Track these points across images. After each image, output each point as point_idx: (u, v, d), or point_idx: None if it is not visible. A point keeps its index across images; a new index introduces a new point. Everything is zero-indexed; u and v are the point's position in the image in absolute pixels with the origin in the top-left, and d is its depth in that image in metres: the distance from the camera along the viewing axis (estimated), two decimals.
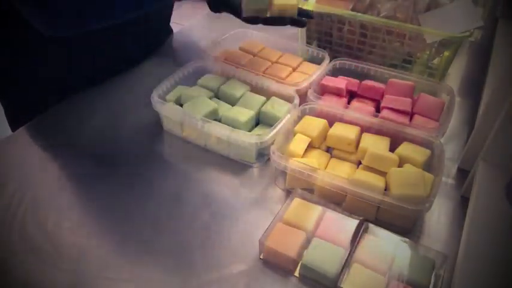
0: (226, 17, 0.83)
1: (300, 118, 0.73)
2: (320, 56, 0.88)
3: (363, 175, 0.61)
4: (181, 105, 0.74)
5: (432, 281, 0.53)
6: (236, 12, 0.79)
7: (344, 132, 0.68)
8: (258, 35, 0.94)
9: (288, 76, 0.83)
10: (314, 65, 0.86)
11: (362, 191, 0.59)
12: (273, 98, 0.76)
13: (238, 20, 0.81)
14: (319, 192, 0.64)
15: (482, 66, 0.93)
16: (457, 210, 0.65)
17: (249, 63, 0.85)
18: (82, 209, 0.64)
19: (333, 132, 0.69)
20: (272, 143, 0.66)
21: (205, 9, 0.87)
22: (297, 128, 0.71)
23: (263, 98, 0.77)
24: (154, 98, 0.74)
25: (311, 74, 0.82)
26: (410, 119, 0.73)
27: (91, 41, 0.81)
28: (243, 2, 0.75)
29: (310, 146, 0.70)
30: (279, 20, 0.79)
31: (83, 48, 0.82)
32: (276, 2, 0.75)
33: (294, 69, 0.86)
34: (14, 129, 0.88)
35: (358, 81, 0.80)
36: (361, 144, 0.67)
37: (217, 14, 0.86)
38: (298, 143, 0.68)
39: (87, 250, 0.59)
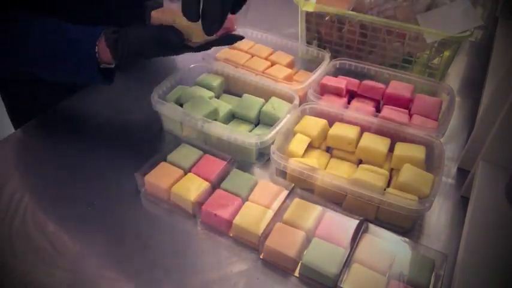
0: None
1: (300, 118, 0.73)
2: (320, 56, 0.88)
3: (362, 175, 0.61)
4: (181, 105, 0.74)
5: (432, 281, 0.53)
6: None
7: (344, 132, 0.68)
8: (257, 35, 0.94)
9: (287, 76, 0.83)
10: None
11: (362, 190, 0.59)
12: (273, 98, 0.76)
13: (238, 20, 0.81)
14: (319, 192, 0.64)
15: (482, 66, 0.93)
16: (457, 210, 0.65)
17: (248, 62, 0.85)
18: (82, 209, 0.64)
19: (333, 132, 0.69)
20: (272, 143, 0.66)
21: None
22: (296, 127, 0.71)
23: (262, 100, 0.76)
24: (154, 98, 0.74)
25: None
26: (410, 119, 0.73)
27: None
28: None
29: (310, 146, 0.70)
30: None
31: None
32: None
33: (291, 67, 0.86)
34: (16, 127, 0.88)
35: (358, 81, 0.80)
36: (360, 144, 0.67)
37: None
38: (298, 143, 0.68)
39: (87, 250, 0.59)
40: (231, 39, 0.65)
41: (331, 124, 0.72)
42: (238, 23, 0.65)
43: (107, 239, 0.60)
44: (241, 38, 0.65)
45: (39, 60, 0.67)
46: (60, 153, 0.74)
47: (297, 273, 0.56)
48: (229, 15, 0.60)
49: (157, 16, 0.61)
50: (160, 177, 0.64)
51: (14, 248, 0.59)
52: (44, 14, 0.66)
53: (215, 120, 0.72)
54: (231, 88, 0.84)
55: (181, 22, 0.59)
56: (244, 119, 0.76)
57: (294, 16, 0.96)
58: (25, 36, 0.65)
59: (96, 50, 0.63)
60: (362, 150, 0.67)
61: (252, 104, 0.76)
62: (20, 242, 0.59)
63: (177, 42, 0.60)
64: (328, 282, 0.53)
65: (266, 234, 0.57)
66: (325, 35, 0.94)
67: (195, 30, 0.59)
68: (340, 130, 0.69)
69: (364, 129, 0.70)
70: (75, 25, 0.66)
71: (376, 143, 0.67)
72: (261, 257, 0.58)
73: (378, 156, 0.66)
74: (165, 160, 0.67)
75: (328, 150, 0.71)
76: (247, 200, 0.62)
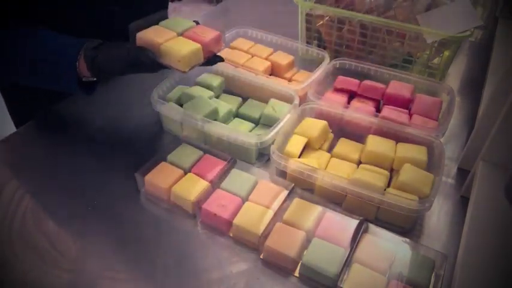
0: (226, 17, 0.83)
1: (300, 118, 0.73)
2: (320, 56, 0.88)
3: (362, 175, 0.61)
4: (181, 105, 0.74)
5: (432, 281, 0.53)
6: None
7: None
8: (257, 35, 0.94)
9: (288, 76, 0.83)
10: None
11: (362, 190, 0.59)
12: (273, 100, 0.76)
13: (238, 20, 0.81)
14: (319, 192, 0.64)
15: (482, 66, 0.93)
16: (457, 210, 0.65)
17: (248, 62, 0.85)
18: (82, 208, 0.64)
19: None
20: (272, 143, 0.66)
21: (204, 9, 0.88)
22: (297, 130, 0.71)
23: (263, 105, 0.77)
24: (155, 98, 0.74)
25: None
26: (410, 119, 0.73)
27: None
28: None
29: (311, 148, 0.70)
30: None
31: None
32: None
33: (291, 67, 0.86)
34: (17, 127, 0.88)
35: (358, 81, 0.80)
36: (367, 148, 0.67)
37: (218, 13, 0.85)
38: (295, 144, 0.68)
39: (87, 250, 0.59)
40: (214, 60, 0.68)
41: (331, 124, 0.72)
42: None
43: (107, 239, 0.60)
44: (222, 59, 0.69)
45: (22, 68, 0.68)
46: (60, 153, 0.74)
47: (297, 273, 0.56)
48: (218, 35, 0.65)
49: (142, 37, 0.62)
50: (160, 177, 0.64)
51: (14, 248, 0.59)
52: (40, 22, 0.66)
53: (215, 120, 0.73)
54: (231, 88, 0.84)
55: (167, 45, 0.61)
56: (247, 118, 0.76)
57: (294, 16, 0.96)
58: (12, 44, 0.66)
59: (77, 64, 0.64)
60: (369, 154, 0.66)
61: (256, 106, 0.76)
62: (20, 242, 0.59)
63: (147, 63, 0.61)
64: (328, 282, 0.53)
65: (266, 234, 0.57)
66: (325, 35, 0.94)
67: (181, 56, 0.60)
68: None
69: (364, 129, 0.70)
70: (62, 35, 0.66)
71: (383, 148, 0.66)
72: (261, 257, 0.58)
73: (385, 161, 0.66)
74: (165, 160, 0.67)
75: (329, 150, 0.71)
76: (247, 200, 0.62)
